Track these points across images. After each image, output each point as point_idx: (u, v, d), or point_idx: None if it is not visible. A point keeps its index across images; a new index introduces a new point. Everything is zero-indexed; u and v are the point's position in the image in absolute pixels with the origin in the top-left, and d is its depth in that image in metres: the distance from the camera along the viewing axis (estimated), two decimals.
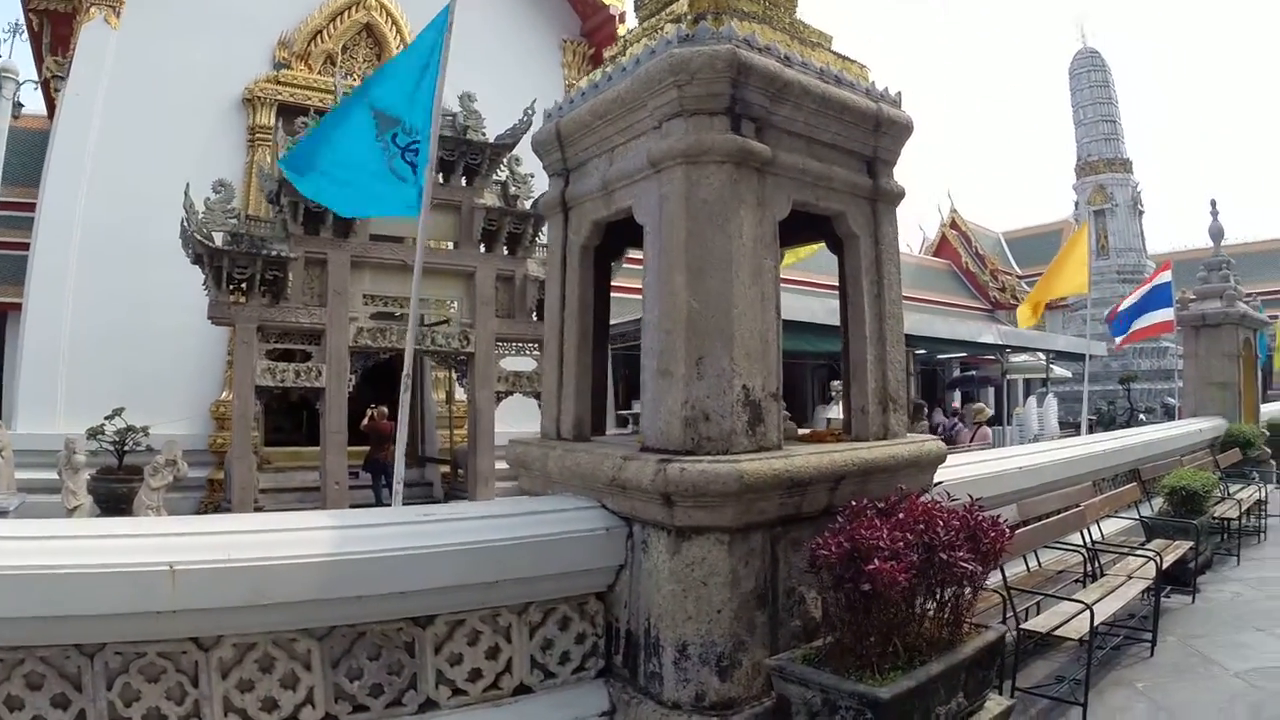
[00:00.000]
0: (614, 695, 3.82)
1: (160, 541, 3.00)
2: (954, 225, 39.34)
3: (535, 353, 12.48)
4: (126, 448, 13.98)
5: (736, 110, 3.73)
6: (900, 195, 4.52)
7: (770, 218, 3.86)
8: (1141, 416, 22.05)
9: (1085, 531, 6.71)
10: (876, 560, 3.14)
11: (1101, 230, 28.85)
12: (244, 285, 12.00)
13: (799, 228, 4.52)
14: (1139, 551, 6.72)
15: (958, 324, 22.01)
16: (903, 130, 4.48)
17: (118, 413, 13.99)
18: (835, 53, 4.38)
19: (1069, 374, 28.20)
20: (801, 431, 4.75)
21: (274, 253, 12.07)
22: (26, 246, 15.95)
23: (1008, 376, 25.42)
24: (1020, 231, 41.07)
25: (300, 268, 12.01)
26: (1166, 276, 16.24)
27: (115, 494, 13.12)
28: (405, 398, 5.61)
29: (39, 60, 16.79)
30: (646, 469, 3.57)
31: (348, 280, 12.04)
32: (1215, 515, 8.96)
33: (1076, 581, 6.31)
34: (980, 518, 3.53)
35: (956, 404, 27.68)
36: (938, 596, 3.38)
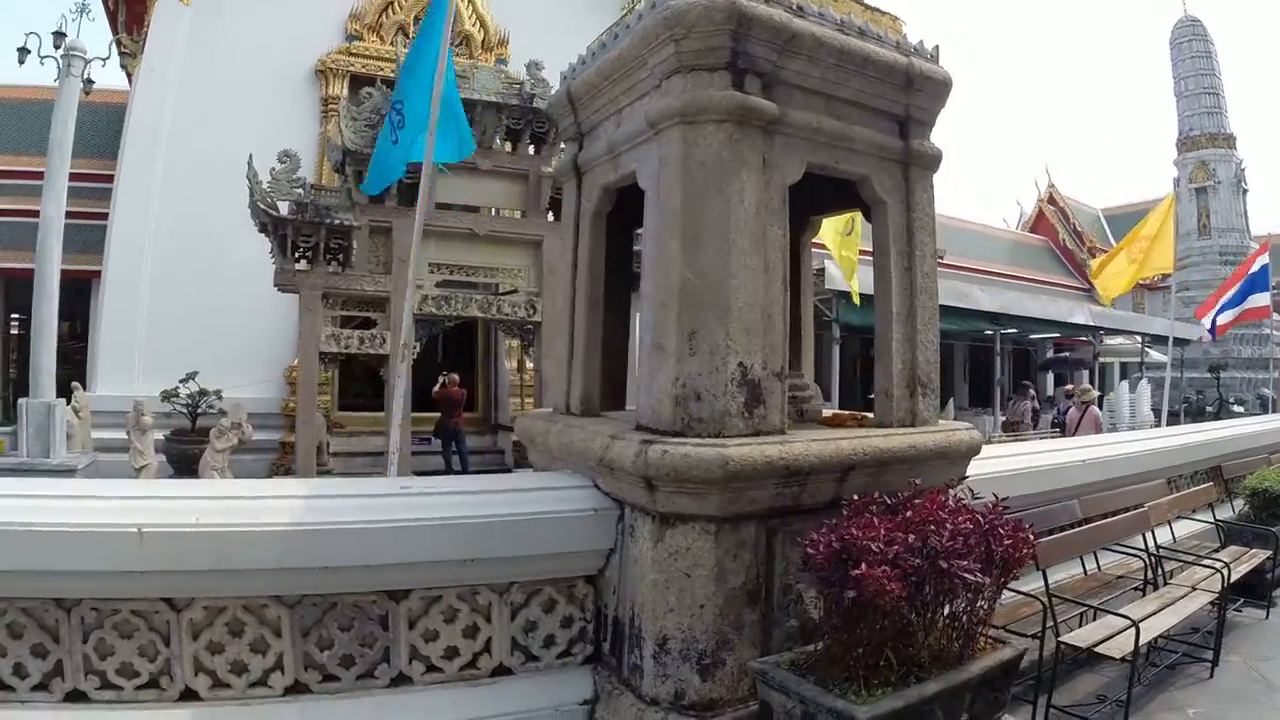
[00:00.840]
0: (599, 684, 3.64)
1: (135, 504, 3.12)
2: (1051, 200, 37.84)
3: None
4: (199, 410, 14.51)
5: (739, 65, 3.43)
6: (937, 159, 4.10)
7: (778, 181, 3.55)
8: (1235, 408, 20.57)
9: (1151, 534, 6.11)
10: (865, 564, 2.79)
11: (1203, 209, 27.21)
12: (309, 253, 12.15)
13: (832, 194, 4.27)
14: (1205, 561, 6.07)
15: (1049, 303, 21.02)
16: (939, 88, 4.06)
17: (191, 376, 14.58)
18: (862, 3, 3.98)
19: (1166, 358, 26.80)
20: (827, 413, 4.38)
21: (338, 221, 12.16)
22: (105, 217, 16.43)
23: (1100, 359, 24.27)
24: (1120, 208, 39.17)
25: (365, 236, 12.15)
26: (1264, 259, 15.18)
27: (186, 455, 13.60)
28: (403, 367, 5.45)
29: (117, 37, 17.16)
30: (629, 450, 3.36)
31: (412, 248, 12.09)
32: None
33: (1136, 589, 5.74)
34: (1000, 521, 3.14)
35: (1059, 387, 26.73)
36: (942, 608, 3.01)
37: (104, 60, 14.77)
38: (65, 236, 15.81)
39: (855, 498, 3.24)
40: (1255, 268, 15.41)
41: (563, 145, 5.04)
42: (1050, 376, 29.57)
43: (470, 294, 12.22)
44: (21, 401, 12.93)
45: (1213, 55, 28.31)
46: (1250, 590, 6.75)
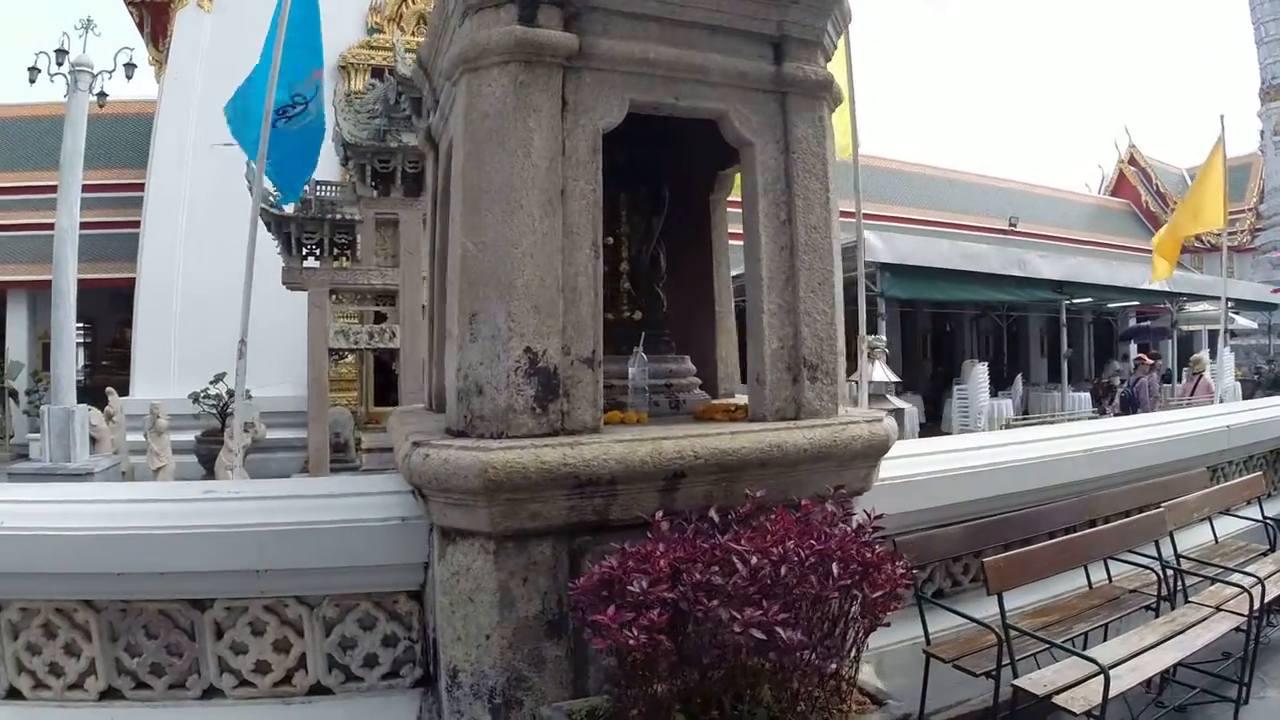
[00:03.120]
0: (424, 711, 3.20)
1: None
2: (1132, 161, 35.67)
3: None
4: (229, 411, 14.56)
5: None
6: (824, 84, 3.34)
7: (587, 127, 2.95)
8: None
9: (1170, 540, 5.06)
10: (613, 608, 2.18)
11: None
12: (316, 250, 12.00)
13: None
14: (1233, 577, 4.90)
15: (1119, 269, 19.54)
16: None
17: (220, 377, 14.64)
18: None
19: (1254, 324, 24.96)
20: (723, 403, 3.68)
21: (342, 216, 11.92)
22: (138, 225, 16.58)
23: (1179, 328, 22.63)
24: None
25: (370, 229, 11.93)
26: None
27: (214, 455, 13.57)
28: None
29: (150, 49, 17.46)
30: (400, 453, 3.01)
31: (420, 240, 11.93)
32: None
33: (1147, 608, 4.78)
34: (847, 549, 2.45)
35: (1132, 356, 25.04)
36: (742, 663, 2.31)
37: (110, 73, 14.81)
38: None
39: (658, 515, 2.62)
40: None
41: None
42: (1133, 346, 27.81)
43: None
44: (43, 408, 13.08)
45: None
46: None
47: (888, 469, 4.08)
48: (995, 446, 4.99)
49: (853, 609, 2.43)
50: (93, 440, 13.67)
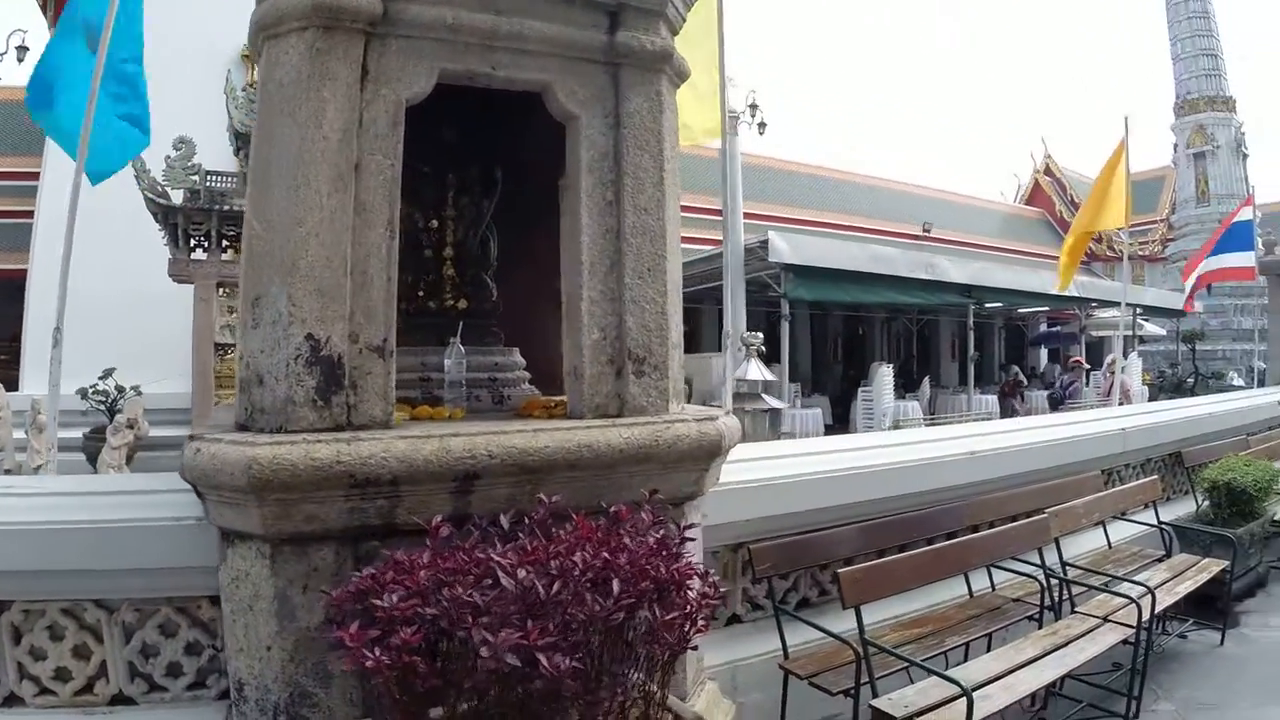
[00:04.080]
0: None
1: None
2: (1048, 172, 36.47)
3: None
4: (117, 407, 14.04)
5: None
6: (663, 55, 3.09)
7: (389, 98, 2.69)
8: (1234, 379, 18.76)
9: (1056, 546, 4.94)
10: (355, 625, 1.96)
11: (1201, 175, 25.71)
12: (205, 241, 11.52)
13: None
14: (1121, 586, 4.78)
15: (1027, 274, 19.80)
16: None
17: (109, 373, 14.04)
18: None
19: (1162, 331, 25.60)
20: (544, 399, 3.42)
21: (230, 207, 11.45)
22: (31, 215, 15.94)
23: (1088, 333, 23.10)
24: None
25: None
26: (1247, 213, 13.93)
27: (98, 452, 12.95)
28: None
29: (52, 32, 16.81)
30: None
31: None
32: (1277, 520, 6.78)
33: (1031, 619, 4.60)
34: (645, 565, 2.20)
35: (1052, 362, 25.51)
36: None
37: (1, 55, 14.14)
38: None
39: (436, 521, 2.34)
40: (1238, 219, 14.09)
41: None
42: (1043, 351, 28.37)
43: None
44: None
45: (1210, 15, 26.80)
46: (1206, 605, 5.62)
47: (742, 472, 3.89)
48: (871, 449, 4.83)
49: (642, 631, 2.17)
50: None
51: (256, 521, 2.44)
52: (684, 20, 3.34)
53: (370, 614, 2.04)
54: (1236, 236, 14.06)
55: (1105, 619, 4.41)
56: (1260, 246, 14.43)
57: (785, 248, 13.99)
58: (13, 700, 2.97)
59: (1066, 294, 18.64)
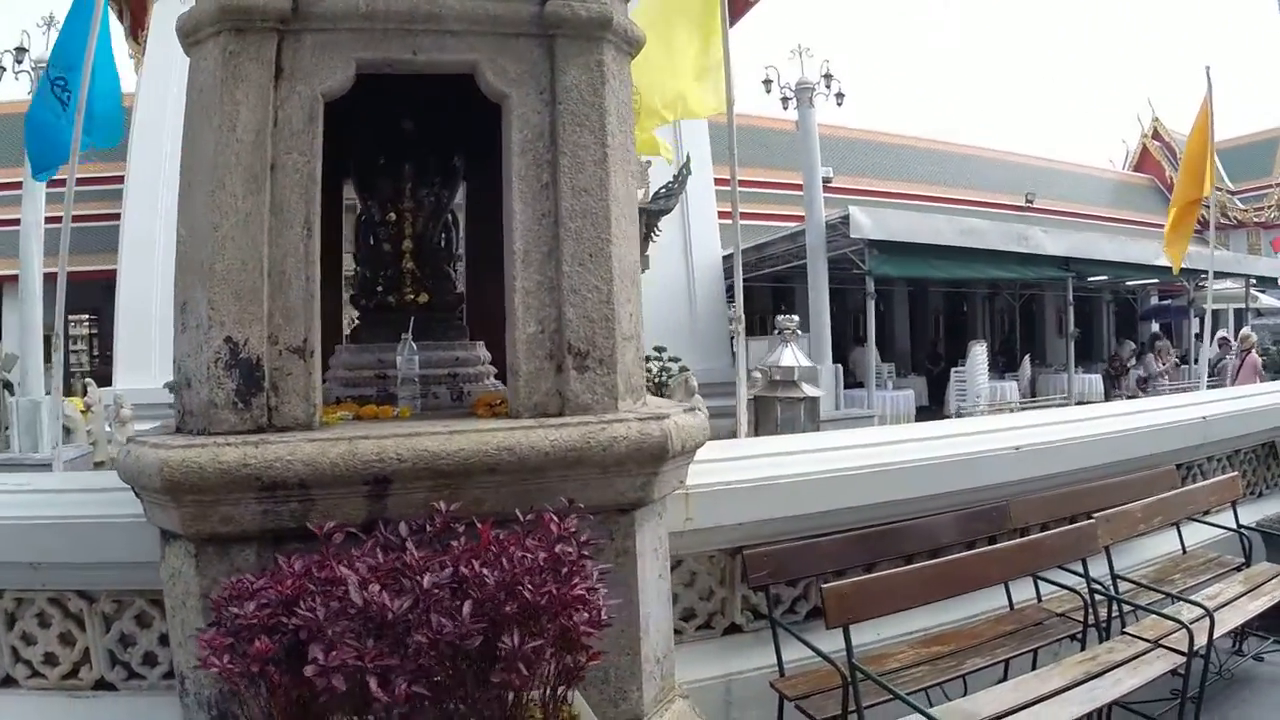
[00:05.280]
0: None
1: None
2: (1156, 136, 34.37)
3: None
4: None
5: None
6: (601, 22, 2.83)
7: (304, 95, 2.64)
8: None
9: (1106, 556, 4.39)
10: (213, 630, 1.98)
11: None
12: None
13: None
14: (1172, 607, 4.15)
15: (1128, 245, 18.59)
16: None
17: None
18: None
19: (1279, 303, 23.92)
20: (489, 395, 3.20)
21: None
22: (118, 217, 16.48)
23: (1196, 306, 21.67)
24: (1231, 141, 34.93)
25: None
26: None
27: None
28: None
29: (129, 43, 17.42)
30: None
31: None
32: None
33: (1073, 639, 4.07)
34: (512, 587, 1.99)
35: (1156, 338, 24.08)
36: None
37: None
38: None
39: (329, 526, 2.25)
40: None
41: None
42: (1155, 326, 26.81)
43: None
44: (10, 400, 13.30)
45: None
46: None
47: (740, 470, 3.62)
48: (898, 443, 4.40)
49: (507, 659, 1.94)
50: (67, 431, 13.65)
51: (177, 522, 2.46)
52: None
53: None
54: None
55: (1156, 643, 3.86)
56: None
57: (868, 223, 13.39)
58: (9, 681, 3.19)
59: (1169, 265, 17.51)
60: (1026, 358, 19.76)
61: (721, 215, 17.80)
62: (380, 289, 3.45)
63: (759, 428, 8.93)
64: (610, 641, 2.76)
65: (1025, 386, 18.23)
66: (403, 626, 1.88)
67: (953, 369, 16.24)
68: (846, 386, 15.39)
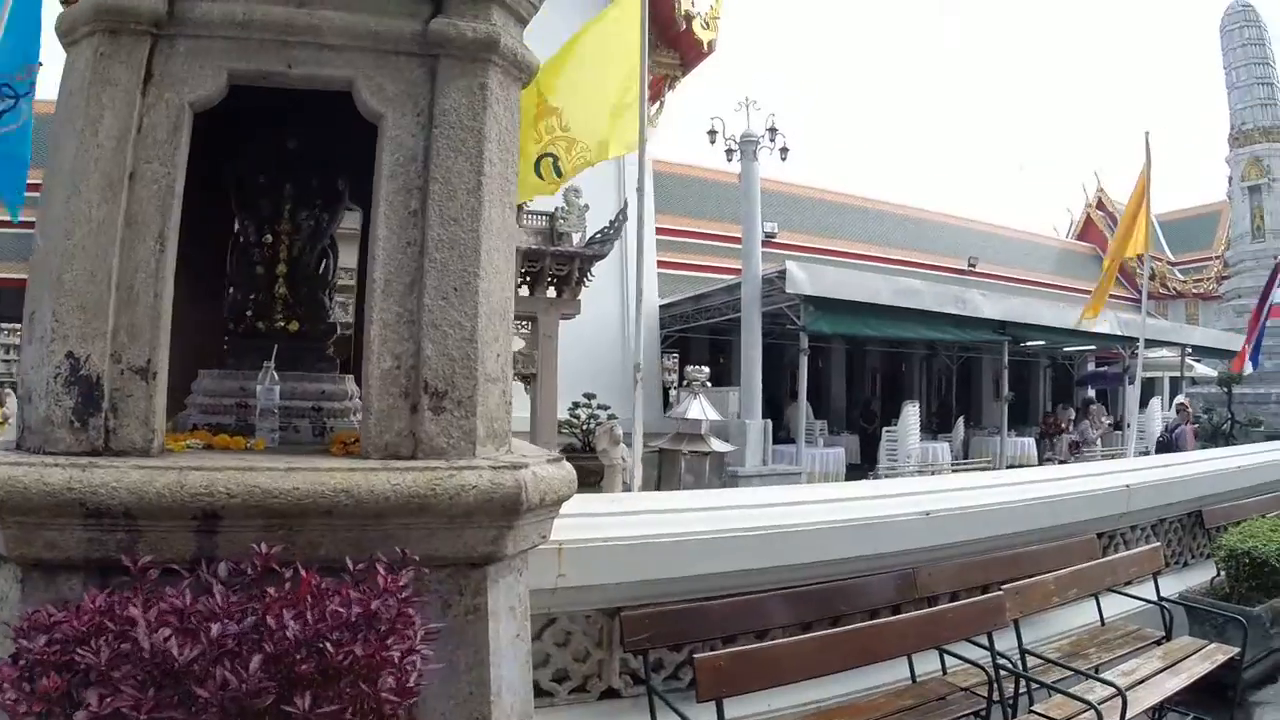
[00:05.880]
0: None
1: None
2: (1100, 206, 35.40)
3: (523, 330, 11.15)
4: None
5: None
6: (487, 44, 2.70)
7: (171, 103, 2.51)
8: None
9: (1016, 630, 4.27)
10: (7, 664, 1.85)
11: (1257, 209, 24.15)
12: None
13: None
14: (1080, 685, 3.99)
15: (1072, 311, 18.88)
16: None
17: None
18: None
19: (1214, 372, 24.41)
20: (348, 432, 3.00)
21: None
22: None
23: (1131, 373, 22.05)
24: (1175, 214, 36.31)
25: None
26: None
27: None
28: None
29: None
30: None
31: None
32: None
33: (978, 715, 3.86)
34: (315, 643, 1.82)
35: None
36: None
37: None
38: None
39: (144, 561, 2.12)
40: None
41: None
42: (1090, 391, 27.27)
43: None
44: None
45: (1266, 43, 25.42)
46: (1216, 694, 4.79)
47: (620, 527, 3.44)
48: (803, 504, 4.27)
49: None
50: None
51: (1, 544, 2.29)
52: (535, 8, 2.92)
53: None
54: None
55: None
56: None
57: (804, 277, 13.44)
58: None
59: (1108, 333, 17.79)
60: (960, 419, 19.91)
61: (661, 265, 17.83)
62: (250, 313, 3.24)
63: (662, 482, 8.77)
64: (457, 706, 2.57)
65: (958, 448, 18.31)
66: (195, 678, 1.71)
67: (884, 428, 16.22)
68: (780, 442, 15.34)
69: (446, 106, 2.66)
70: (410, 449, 2.55)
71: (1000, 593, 4.16)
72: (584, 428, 12.09)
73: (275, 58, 2.58)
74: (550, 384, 9.41)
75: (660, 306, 17.94)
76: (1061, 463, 16.84)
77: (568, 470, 2.79)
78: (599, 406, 12.75)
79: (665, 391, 19.65)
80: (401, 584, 2.10)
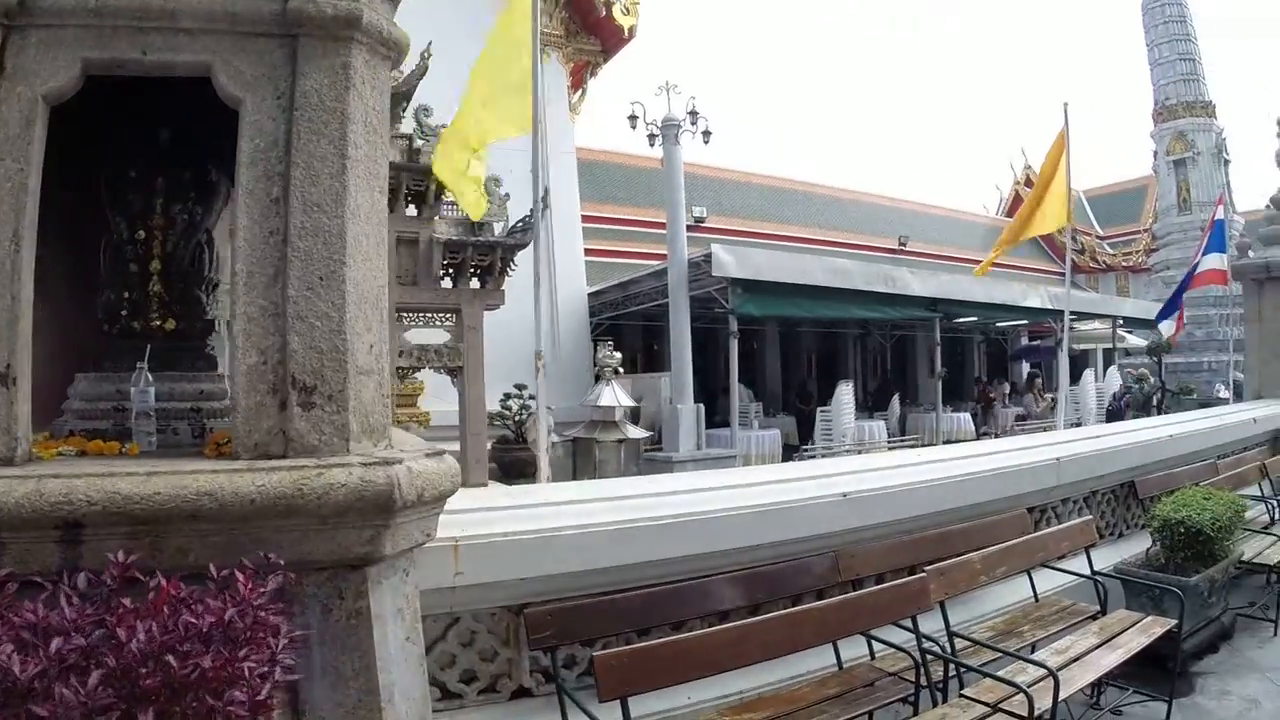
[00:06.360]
0: None
1: None
2: (1029, 183, 35.88)
3: (448, 323, 10.90)
4: None
5: None
6: (348, 20, 2.57)
7: (23, 96, 2.40)
8: (1221, 393, 16.70)
9: (942, 611, 4.06)
10: None
11: (1182, 183, 24.73)
12: None
13: None
14: (1010, 668, 3.84)
15: (994, 287, 19.17)
16: None
17: None
18: None
19: (1145, 343, 25.02)
20: (222, 433, 2.87)
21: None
22: None
23: (1064, 346, 22.45)
24: (1102, 189, 37.15)
25: None
26: (1220, 213, 13.34)
27: None
28: None
29: None
30: None
31: None
32: (1246, 560, 5.92)
33: (906, 701, 3.72)
34: (159, 657, 1.73)
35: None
36: None
37: None
38: None
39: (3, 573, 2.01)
40: (1216, 221, 13.57)
41: None
42: (1025, 366, 27.76)
43: None
44: None
45: (1187, 20, 26.02)
46: (1157, 665, 4.60)
47: (522, 521, 3.33)
48: (709, 490, 4.15)
49: None
50: None
51: None
52: None
53: None
54: (1214, 240, 13.55)
55: (996, 707, 3.52)
56: (1234, 250, 13.83)
57: (730, 261, 13.43)
58: None
59: (1038, 306, 18.07)
60: (896, 397, 20.12)
61: (590, 253, 17.68)
62: (125, 313, 3.10)
63: (577, 472, 8.66)
64: (346, 715, 2.47)
65: (895, 426, 18.49)
66: (38, 695, 1.63)
67: (819, 409, 16.31)
68: (717, 426, 15.34)
69: (307, 88, 2.54)
70: (281, 448, 2.45)
71: (923, 574, 4.02)
72: (516, 419, 11.94)
73: (130, 44, 2.47)
74: (477, 376, 9.25)
75: (589, 294, 17.81)
76: (999, 435, 17.09)
77: (449, 464, 2.69)
78: (530, 397, 12.62)
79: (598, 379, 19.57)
80: (262, 591, 1.99)
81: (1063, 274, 32.25)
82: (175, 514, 2.20)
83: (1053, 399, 21.13)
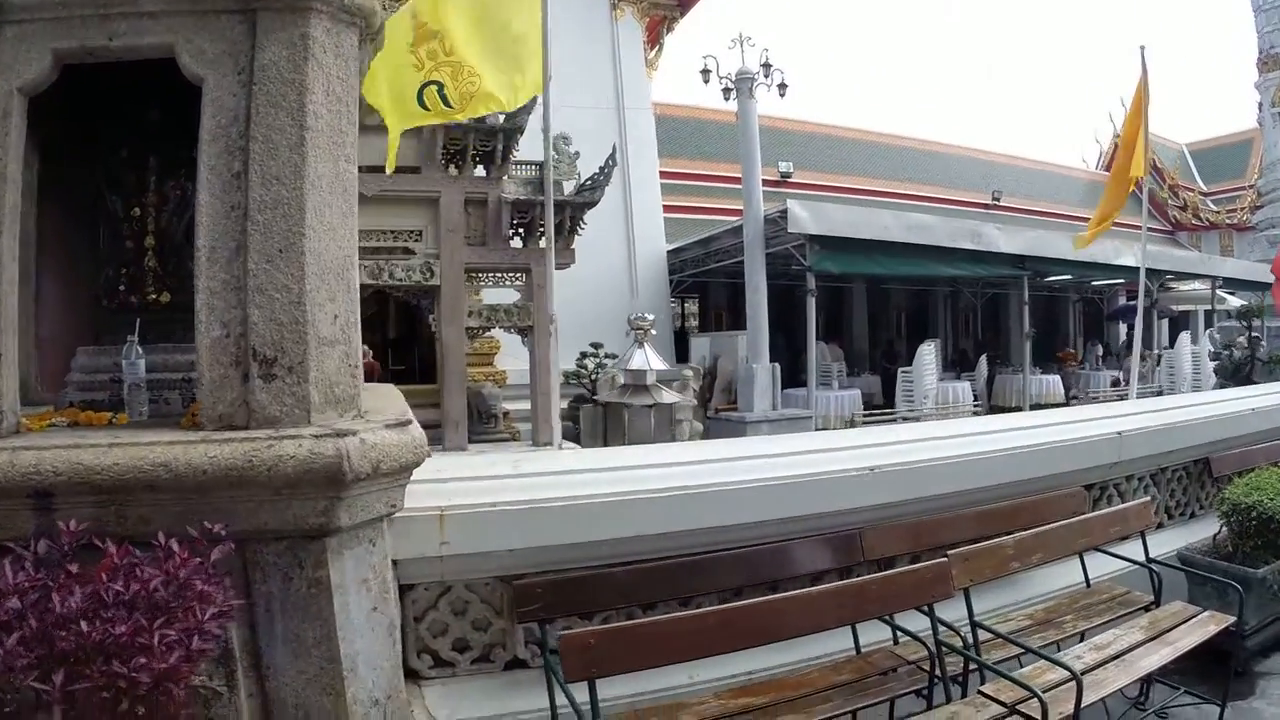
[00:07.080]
0: None
1: None
2: None
3: (518, 283, 11.00)
4: None
5: None
6: None
7: (2, 90, 2.53)
8: None
9: (966, 599, 3.63)
10: None
11: None
12: None
13: None
14: (1024, 670, 3.46)
15: (1098, 244, 18.29)
16: None
17: None
18: None
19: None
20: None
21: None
22: None
23: (1161, 307, 21.50)
24: (1206, 142, 34.97)
25: None
26: None
27: None
28: None
29: None
30: None
31: None
32: None
33: (919, 694, 3.38)
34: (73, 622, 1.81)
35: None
36: None
37: None
38: None
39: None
40: None
41: None
42: (1122, 327, 26.61)
43: (374, 262, 10.85)
44: None
45: None
46: (1219, 662, 4.16)
47: (516, 490, 3.31)
48: (726, 460, 3.95)
49: None
50: None
51: None
52: None
53: None
54: None
55: (1013, 708, 3.15)
56: None
57: (806, 217, 13.08)
58: None
59: (1133, 265, 17.23)
60: (984, 358, 19.39)
61: (669, 209, 17.51)
62: (122, 288, 3.22)
63: (607, 438, 8.56)
64: (309, 681, 2.54)
65: (981, 387, 17.91)
66: None
67: (901, 369, 15.93)
68: (800, 385, 15.10)
69: (266, 61, 2.56)
70: (244, 418, 2.51)
71: (944, 559, 3.56)
72: (592, 377, 12.03)
73: (97, 32, 2.55)
74: (545, 335, 9.28)
75: (670, 251, 17.67)
76: (1082, 402, 16.47)
77: (412, 435, 2.70)
78: (606, 355, 12.67)
79: (682, 336, 19.48)
80: (197, 561, 2.03)
81: (1167, 231, 30.86)
82: (133, 484, 2.29)
83: (1157, 357, 20.24)
